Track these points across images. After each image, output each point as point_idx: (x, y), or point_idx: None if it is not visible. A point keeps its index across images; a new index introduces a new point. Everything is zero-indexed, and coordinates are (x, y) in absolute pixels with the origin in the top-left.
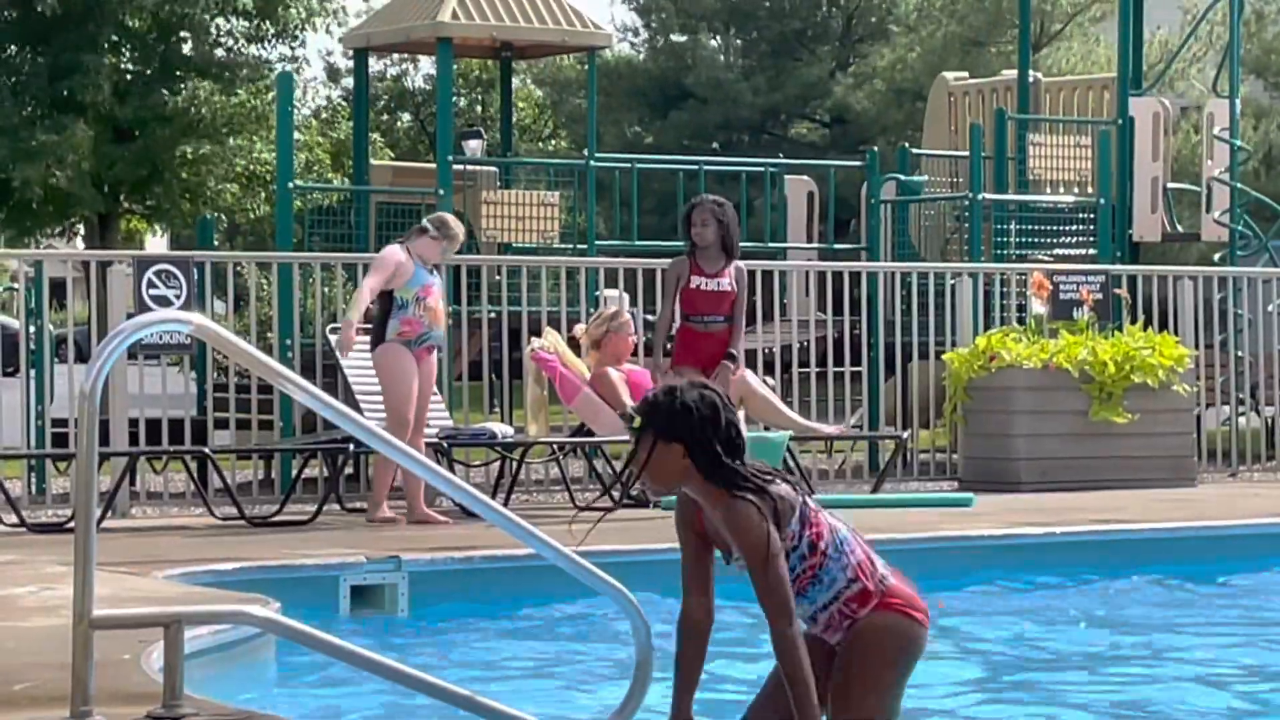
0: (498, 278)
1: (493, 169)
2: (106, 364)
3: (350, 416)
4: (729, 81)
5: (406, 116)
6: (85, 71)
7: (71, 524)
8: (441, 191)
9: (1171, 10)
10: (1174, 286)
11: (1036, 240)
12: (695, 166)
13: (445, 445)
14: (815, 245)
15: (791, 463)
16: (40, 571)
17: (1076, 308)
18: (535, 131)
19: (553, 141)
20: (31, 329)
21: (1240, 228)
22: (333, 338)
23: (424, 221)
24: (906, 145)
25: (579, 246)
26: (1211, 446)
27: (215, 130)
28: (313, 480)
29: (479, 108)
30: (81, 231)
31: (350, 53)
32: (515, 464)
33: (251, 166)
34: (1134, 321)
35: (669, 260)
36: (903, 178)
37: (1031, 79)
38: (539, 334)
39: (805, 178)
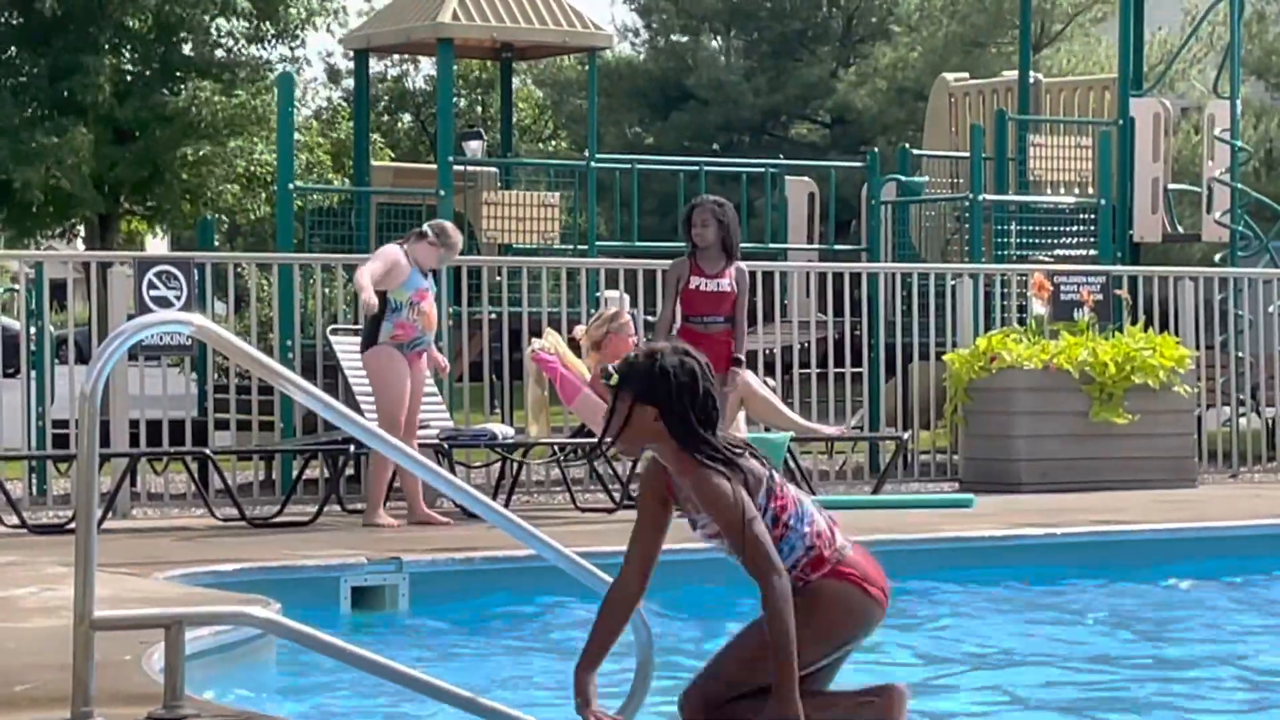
0: (498, 278)
1: (493, 170)
2: (107, 365)
3: (351, 417)
4: (730, 82)
5: (407, 117)
6: (85, 73)
7: (72, 525)
8: (442, 192)
9: (1172, 11)
10: (1174, 287)
11: (1037, 241)
12: (696, 167)
13: (446, 446)
14: (816, 246)
15: (792, 464)
16: (41, 572)
17: (1077, 308)
18: (536, 132)
19: (553, 142)
20: (32, 330)
21: (1241, 228)
22: (334, 338)
23: (424, 226)
24: (907, 146)
25: (579, 247)
26: (1212, 447)
27: (216, 131)
28: (313, 481)
29: (479, 108)
30: (82, 232)
31: (351, 54)
32: (516, 465)
33: (252, 167)
34: (1134, 322)
35: (669, 261)
36: (903, 178)
37: (1032, 80)
38: (539, 335)
39: (806, 178)
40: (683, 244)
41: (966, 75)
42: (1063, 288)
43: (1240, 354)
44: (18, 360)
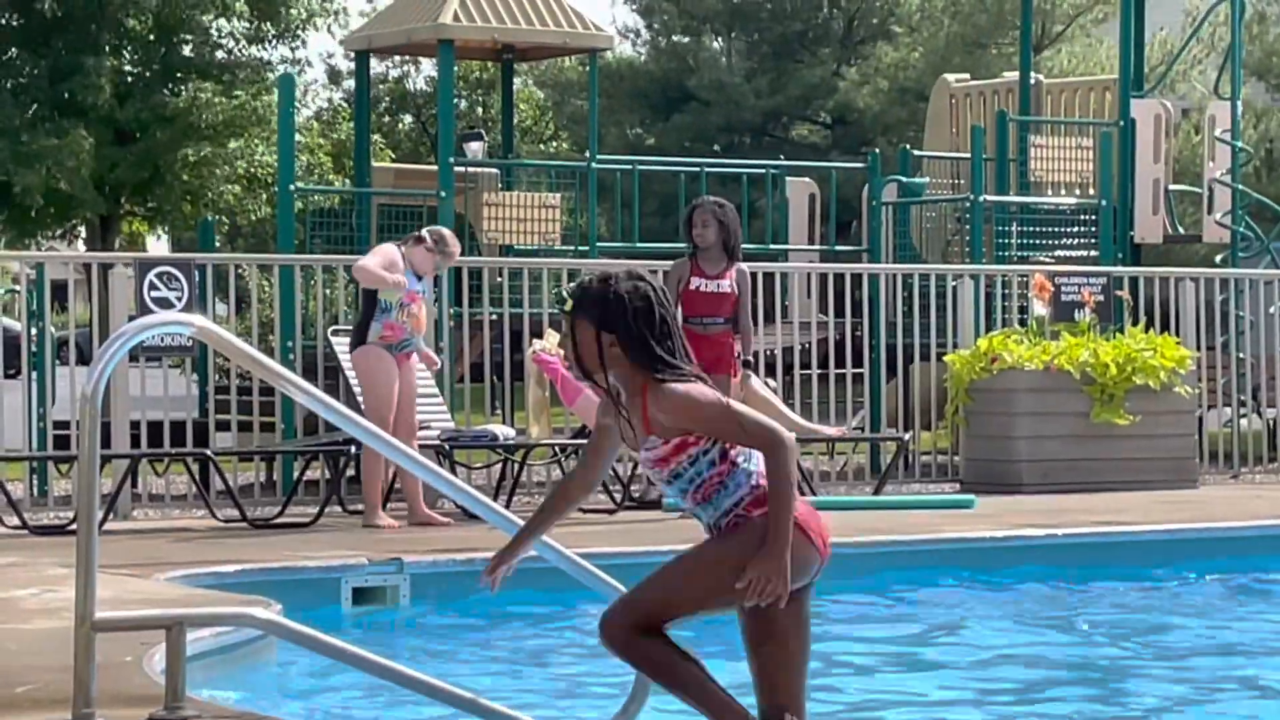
0: (499, 279)
1: (494, 171)
2: (108, 366)
3: (351, 418)
4: (731, 83)
5: (408, 118)
6: (86, 74)
7: (73, 526)
8: (443, 193)
9: (1173, 12)
10: (1175, 288)
11: (1038, 242)
12: (697, 168)
13: (447, 447)
14: (817, 247)
15: None
16: (42, 574)
17: (1078, 309)
18: (537, 133)
19: (554, 143)
20: (33, 331)
21: (1241, 229)
22: (334, 340)
23: (423, 232)
24: (908, 147)
25: (580, 248)
26: (1213, 448)
27: (216, 132)
28: (314, 482)
29: (480, 109)
30: (83, 234)
31: (352, 54)
32: (517, 466)
33: (253, 169)
34: (1135, 323)
35: (670, 262)
36: (904, 179)
37: (1033, 80)
38: (540, 336)
39: (807, 179)
40: (684, 245)
41: (967, 76)
42: (1064, 289)
43: (1241, 355)
44: (19, 361)
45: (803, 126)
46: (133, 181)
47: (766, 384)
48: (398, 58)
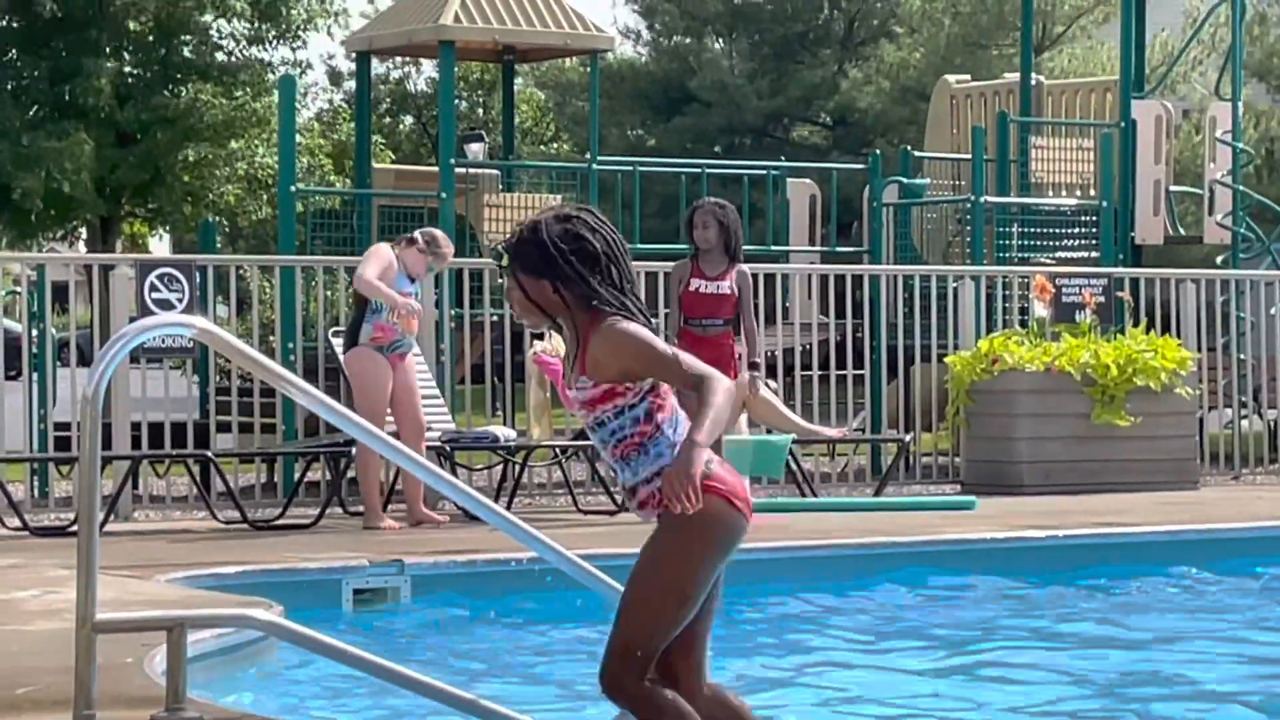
0: (500, 280)
1: (495, 172)
2: (109, 368)
3: (352, 420)
4: (732, 85)
5: (409, 119)
6: (86, 75)
7: (74, 528)
8: (444, 195)
9: (1174, 13)
10: (1176, 289)
11: (1039, 243)
12: (698, 169)
13: (448, 449)
14: (817, 248)
15: (794, 466)
16: (43, 575)
17: (1079, 311)
18: (537, 134)
19: (555, 144)
20: (34, 332)
21: (1242, 230)
22: (335, 341)
23: (416, 233)
24: (909, 148)
25: None
26: (1214, 449)
27: (217, 134)
28: (315, 484)
29: (481, 110)
30: (83, 235)
31: (352, 56)
32: (518, 467)
33: (253, 170)
34: (1136, 324)
35: (672, 264)
36: (905, 180)
37: (1034, 82)
38: (541, 337)
39: (807, 180)
40: (685, 246)
41: (968, 77)
42: (1064, 290)
43: (1242, 356)
44: (19, 363)
45: (804, 127)
46: (133, 183)
47: (768, 385)
48: (399, 59)
